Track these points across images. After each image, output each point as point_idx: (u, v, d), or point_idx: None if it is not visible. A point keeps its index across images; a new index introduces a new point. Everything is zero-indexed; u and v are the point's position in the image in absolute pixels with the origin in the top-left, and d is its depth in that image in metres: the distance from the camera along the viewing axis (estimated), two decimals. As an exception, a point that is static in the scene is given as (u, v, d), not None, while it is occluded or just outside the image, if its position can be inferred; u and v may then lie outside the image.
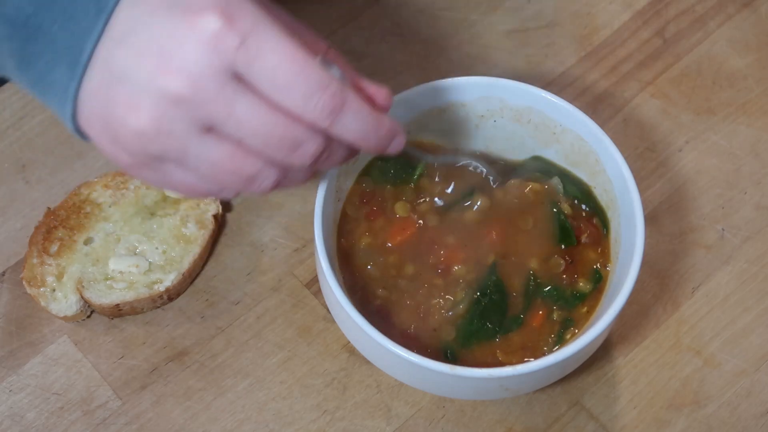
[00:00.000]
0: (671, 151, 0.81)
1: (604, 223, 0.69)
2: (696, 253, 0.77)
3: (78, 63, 0.53)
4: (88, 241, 0.74)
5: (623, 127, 0.82)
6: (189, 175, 0.56)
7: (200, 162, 0.54)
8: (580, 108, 0.69)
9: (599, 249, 0.69)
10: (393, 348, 0.61)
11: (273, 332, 0.73)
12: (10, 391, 0.71)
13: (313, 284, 0.75)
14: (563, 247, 0.68)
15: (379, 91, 0.59)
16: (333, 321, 0.70)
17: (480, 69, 0.84)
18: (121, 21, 0.52)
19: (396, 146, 0.59)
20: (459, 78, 0.70)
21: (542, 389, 0.71)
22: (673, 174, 0.80)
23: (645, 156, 0.80)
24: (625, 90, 0.83)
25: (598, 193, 0.70)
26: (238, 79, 0.52)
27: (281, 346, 0.73)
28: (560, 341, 0.66)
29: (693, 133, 0.82)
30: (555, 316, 0.67)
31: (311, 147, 0.54)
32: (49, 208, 0.75)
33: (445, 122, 0.73)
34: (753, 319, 0.74)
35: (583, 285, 0.68)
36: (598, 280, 0.68)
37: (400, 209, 0.69)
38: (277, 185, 0.57)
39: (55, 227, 0.74)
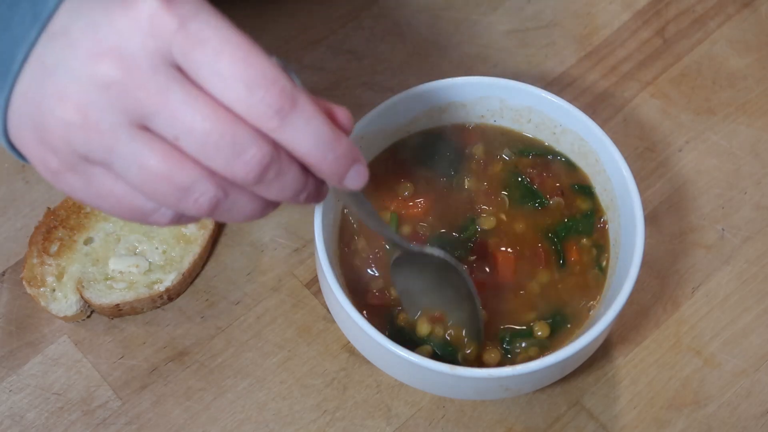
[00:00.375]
0: (671, 151, 0.81)
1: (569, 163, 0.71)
2: (696, 253, 0.77)
3: (8, 73, 0.50)
4: (88, 241, 0.74)
5: (623, 127, 0.82)
6: (118, 184, 0.50)
7: (129, 164, 0.48)
8: (580, 108, 0.69)
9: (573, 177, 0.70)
10: (393, 348, 0.61)
11: (273, 332, 0.73)
12: (10, 391, 0.71)
13: (313, 284, 0.75)
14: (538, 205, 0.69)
15: (339, 110, 0.52)
16: (333, 321, 0.70)
17: (480, 69, 0.84)
18: (59, 17, 0.49)
19: (356, 178, 0.51)
20: (459, 78, 0.71)
21: (542, 389, 0.71)
22: (673, 174, 0.80)
23: (645, 156, 0.80)
24: (625, 90, 0.83)
25: (599, 193, 0.70)
26: (177, 68, 0.47)
27: (281, 346, 0.73)
28: (600, 268, 0.68)
29: (693, 133, 0.82)
30: (584, 242, 0.69)
31: (256, 154, 0.47)
32: (49, 208, 0.75)
33: (445, 122, 0.73)
34: (753, 319, 0.74)
35: (582, 204, 0.69)
36: (590, 195, 0.70)
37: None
38: (216, 206, 0.49)
39: (55, 227, 0.74)
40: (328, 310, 0.70)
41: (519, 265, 0.68)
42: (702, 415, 0.71)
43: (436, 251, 0.63)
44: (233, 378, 0.72)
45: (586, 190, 0.70)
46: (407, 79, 0.83)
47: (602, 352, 0.72)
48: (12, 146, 0.53)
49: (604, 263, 0.68)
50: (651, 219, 0.77)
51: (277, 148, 0.48)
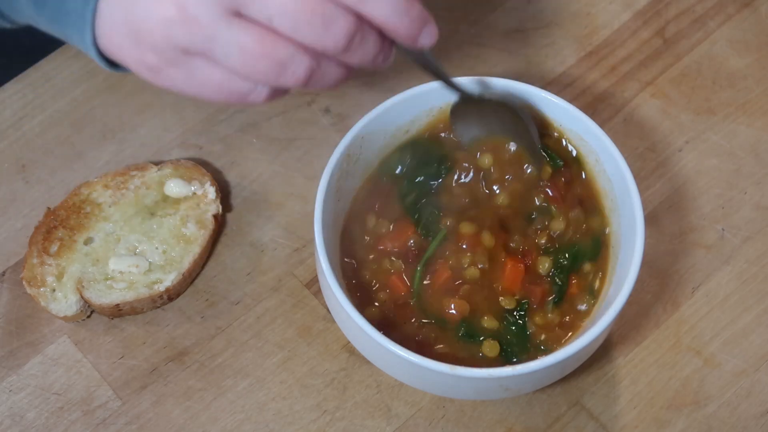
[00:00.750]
0: (671, 151, 0.81)
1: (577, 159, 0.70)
2: (696, 253, 0.77)
3: None
4: (88, 241, 0.74)
5: (623, 127, 0.82)
6: (217, 71, 0.55)
7: (229, 49, 0.53)
8: (580, 108, 0.69)
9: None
10: (393, 348, 0.61)
11: (273, 332, 0.73)
12: (10, 391, 0.71)
13: (313, 284, 0.75)
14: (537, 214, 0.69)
15: None
16: (333, 321, 0.70)
17: (480, 69, 0.84)
18: None
19: (428, 36, 0.57)
20: (459, 78, 0.70)
21: (542, 389, 0.71)
22: (673, 174, 0.80)
23: (645, 156, 0.80)
24: (625, 90, 0.83)
25: (599, 193, 0.70)
26: None
27: (281, 346, 0.73)
28: (592, 292, 0.67)
29: (693, 133, 0.82)
30: (587, 269, 0.68)
31: (343, 26, 0.53)
32: (49, 208, 0.75)
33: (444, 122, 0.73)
34: (753, 319, 0.74)
35: (593, 222, 0.69)
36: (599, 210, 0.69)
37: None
38: (311, 75, 0.55)
39: (55, 227, 0.74)
40: (328, 310, 0.70)
41: (523, 281, 0.68)
42: (702, 415, 0.71)
43: (494, 95, 0.67)
44: (233, 378, 0.72)
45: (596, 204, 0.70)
46: (407, 79, 0.83)
47: (602, 352, 0.72)
48: (101, 56, 0.57)
49: (596, 285, 0.68)
50: (651, 219, 0.77)
51: (359, 19, 0.53)
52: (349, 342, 0.69)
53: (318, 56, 0.55)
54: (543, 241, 0.68)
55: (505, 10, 0.87)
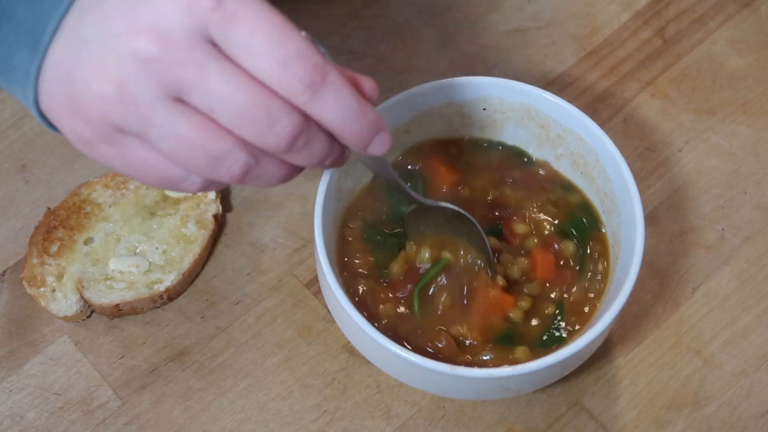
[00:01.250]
0: (671, 151, 0.81)
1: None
2: (696, 253, 0.77)
3: (40, 43, 0.51)
4: (88, 241, 0.74)
5: (623, 127, 0.82)
6: (151, 154, 0.52)
7: (165, 135, 0.50)
8: (580, 108, 0.69)
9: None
10: (393, 348, 0.61)
11: (273, 332, 0.73)
12: (10, 391, 0.71)
13: (313, 284, 0.75)
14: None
15: (365, 81, 0.54)
16: (333, 321, 0.70)
17: (480, 69, 0.84)
18: None
19: (380, 145, 0.55)
20: (459, 78, 0.71)
21: (542, 389, 0.71)
22: (673, 174, 0.80)
23: (645, 156, 0.80)
24: (625, 90, 0.83)
25: (599, 193, 0.70)
26: (212, 44, 0.49)
27: (281, 346, 0.73)
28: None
29: (693, 133, 0.82)
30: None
31: (287, 125, 0.50)
32: (49, 208, 0.75)
33: (445, 122, 0.73)
34: (753, 319, 0.74)
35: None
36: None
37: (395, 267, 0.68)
38: (247, 173, 0.52)
39: (55, 227, 0.74)
40: (328, 310, 0.70)
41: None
42: (702, 415, 0.71)
43: (450, 205, 0.66)
44: (233, 378, 0.72)
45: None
46: (407, 79, 0.83)
47: (602, 352, 0.72)
48: (43, 116, 0.55)
49: (597, 286, 0.69)
50: (651, 219, 0.77)
51: (306, 119, 0.51)
52: (349, 342, 0.69)
53: (258, 153, 0.52)
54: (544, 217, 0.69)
55: (505, 10, 0.87)
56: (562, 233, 0.70)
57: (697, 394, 0.71)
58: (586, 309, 0.67)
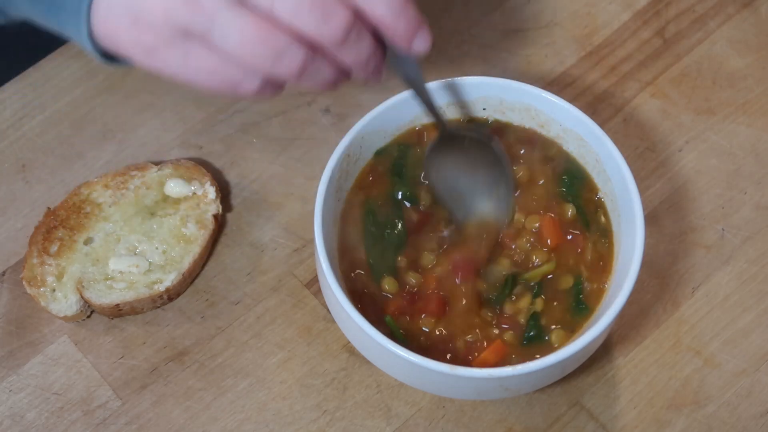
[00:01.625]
0: (671, 151, 0.81)
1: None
2: (696, 253, 0.77)
3: None
4: (88, 241, 0.74)
5: (623, 127, 0.82)
6: (212, 56, 0.55)
7: (228, 32, 0.54)
8: (580, 108, 0.69)
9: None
10: (393, 348, 0.61)
11: (273, 332, 0.73)
12: (10, 391, 0.71)
13: (313, 284, 0.75)
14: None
15: None
16: (333, 321, 0.70)
17: (480, 69, 0.84)
18: None
19: (422, 41, 0.58)
20: (459, 78, 0.71)
21: (542, 389, 0.71)
22: (673, 174, 0.80)
23: (645, 156, 0.80)
24: (625, 90, 0.83)
25: (599, 193, 0.70)
26: None
27: (281, 346, 0.73)
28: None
29: (693, 133, 0.82)
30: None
31: (342, 18, 0.54)
32: (49, 208, 0.75)
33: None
34: (753, 319, 0.74)
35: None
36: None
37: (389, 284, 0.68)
38: (305, 68, 0.56)
39: (55, 227, 0.74)
40: (328, 310, 0.70)
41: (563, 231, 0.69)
42: (702, 415, 0.71)
43: (475, 132, 0.67)
44: (233, 378, 0.72)
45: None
46: (407, 79, 0.83)
47: (602, 352, 0.72)
48: (97, 50, 0.58)
49: (596, 285, 0.68)
50: (651, 219, 0.77)
51: (356, 15, 0.55)
52: (349, 342, 0.69)
53: (314, 51, 0.56)
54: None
55: (505, 10, 0.87)
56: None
57: (697, 394, 0.71)
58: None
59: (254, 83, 0.57)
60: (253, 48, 0.54)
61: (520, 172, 0.70)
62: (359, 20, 0.56)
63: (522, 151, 0.71)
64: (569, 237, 0.68)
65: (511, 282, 0.67)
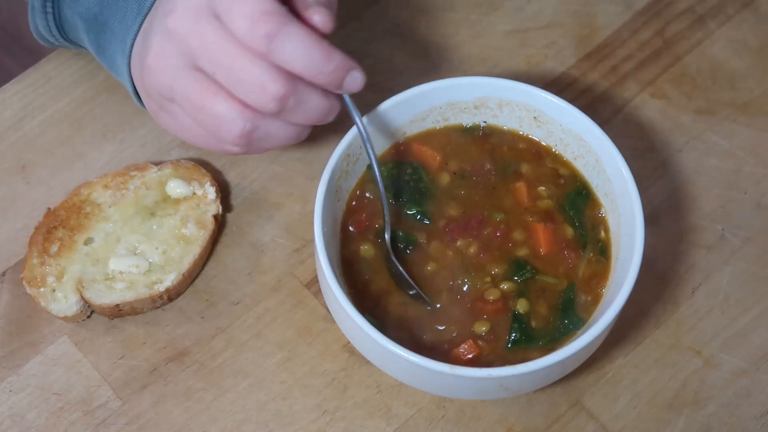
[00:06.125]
0: (671, 151, 0.81)
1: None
2: (696, 253, 0.77)
3: (126, 47, 0.65)
4: (88, 242, 0.74)
5: (623, 127, 0.82)
6: (185, 117, 0.60)
7: (183, 98, 0.58)
8: (580, 108, 0.70)
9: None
10: (393, 348, 0.61)
11: (273, 332, 0.73)
12: (10, 391, 0.71)
13: (313, 284, 0.75)
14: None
15: (315, 13, 0.58)
16: (333, 321, 0.70)
17: (480, 69, 0.84)
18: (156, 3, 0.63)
19: (353, 83, 0.59)
20: (459, 78, 0.71)
21: (542, 389, 0.71)
22: (673, 174, 0.80)
23: (645, 156, 0.80)
24: (625, 90, 0.83)
25: (599, 193, 0.70)
26: (215, 16, 0.56)
27: (281, 347, 0.73)
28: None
29: (693, 133, 0.82)
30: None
31: (272, 87, 0.56)
32: (49, 209, 0.75)
33: (444, 122, 0.73)
34: (753, 319, 0.74)
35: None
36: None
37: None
38: (248, 136, 0.58)
39: (55, 227, 0.74)
40: (328, 310, 0.70)
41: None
42: (702, 415, 0.71)
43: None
44: (233, 378, 0.72)
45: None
46: (407, 79, 0.83)
47: (602, 352, 0.72)
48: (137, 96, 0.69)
49: (596, 286, 0.69)
50: (651, 219, 0.77)
51: (293, 79, 0.56)
52: (349, 342, 0.69)
53: (258, 116, 0.57)
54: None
55: (505, 10, 0.87)
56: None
57: (697, 394, 0.71)
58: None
59: (223, 145, 0.60)
60: (198, 113, 0.58)
61: (521, 189, 0.70)
62: (298, 82, 0.57)
63: (522, 169, 0.71)
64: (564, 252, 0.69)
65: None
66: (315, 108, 0.59)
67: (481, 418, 0.71)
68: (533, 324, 0.66)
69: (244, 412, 0.71)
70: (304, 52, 0.56)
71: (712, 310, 0.75)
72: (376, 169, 0.66)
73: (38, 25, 0.74)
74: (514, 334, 0.65)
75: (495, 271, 0.67)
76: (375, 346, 0.62)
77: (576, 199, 0.70)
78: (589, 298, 0.67)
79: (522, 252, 0.68)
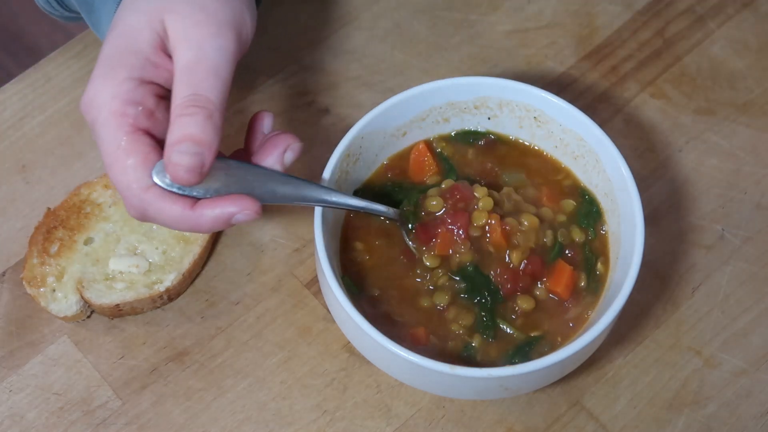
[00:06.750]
0: (671, 151, 0.81)
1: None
2: (696, 253, 0.77)
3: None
4: (88, 241, 0.74)
5: (623, 127, 0.82)
6: None
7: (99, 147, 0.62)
8: (580, 108, 0.69)
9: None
10: (393, 348, 0.61)
11: (273, 332, 0.73)
12: (10, 391, 0.71)
13: (313, 284, 0.75)
14: None
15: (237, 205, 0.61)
16: (333, 321, 0.70)
17: (480, 69, 0.84)
18: None
19: (245, 217, 0.60)
20: (459, 78, 0.71)
21: (542, 389, 0.71)
22: (673, 174, 0.80)
23: (645, 156, 0.80)
24: (625, 90, 0.83)
25: (599, 193, 0.70)
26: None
27: (281, 346, 0.73)
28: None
29: (693, 133, 0.82)
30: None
31: (131, 210, 0.61)
32: (49, 208, 0.75)
33: (444, 122, 0.73)
34: (753, 319, 0.74)
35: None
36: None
37: None
38: (140, 216, 0.61)
39: (55, 227, 0.74)
40: (328, 310, 0.70)
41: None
42: (702, 415, 0.71)
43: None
44: (233, 378, 0.72)
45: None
46: (407, 79, 0.83)
47: (602, 352, 0.72)
48: None
49: (596, 286, 0.68)
50: (651, 219, 0.77)
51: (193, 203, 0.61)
52: (349, 342, 0.69)
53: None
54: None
55: (505, 10, 0.87)
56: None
57: (697, 394, 0.71)
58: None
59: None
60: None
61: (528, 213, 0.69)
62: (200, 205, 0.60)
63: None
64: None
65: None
66: (209, 227, 0.61)
67: (481, 418, 0.71)
68: (479, 359, 0.66)
69: (244, 412, 0.71)
70: (173, 223, 0.60)
71: (712, 310, 0.75)
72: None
73: (39, 1, 0.74)
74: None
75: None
76: (375, 346, 0.62)
77: (585, 216, 0.70)
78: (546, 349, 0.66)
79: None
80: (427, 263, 0.67)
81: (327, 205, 0.64)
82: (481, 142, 0.73)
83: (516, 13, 0.87)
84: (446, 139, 0.73)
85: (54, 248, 0.73)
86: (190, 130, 0.57)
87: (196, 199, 0.60)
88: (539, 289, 0.67)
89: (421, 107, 0.71)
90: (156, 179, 0.59)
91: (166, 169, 0.58)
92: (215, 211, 0.59)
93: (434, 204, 0.67)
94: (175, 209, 0.59)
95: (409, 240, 0.68)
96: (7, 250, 0.76)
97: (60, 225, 0.74)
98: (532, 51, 0.85)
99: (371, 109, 0.69)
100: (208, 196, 0.60)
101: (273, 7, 0.86)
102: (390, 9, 0.87)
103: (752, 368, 0.72)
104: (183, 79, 0.58)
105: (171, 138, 0.58)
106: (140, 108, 0.59)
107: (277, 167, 0.63)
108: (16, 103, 0.81)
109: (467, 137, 0.73)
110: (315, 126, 0.81)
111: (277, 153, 0.63)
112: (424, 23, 0.86)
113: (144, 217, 0.60)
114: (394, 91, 0.70)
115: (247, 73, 0.82)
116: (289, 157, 0.63)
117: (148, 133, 0.60)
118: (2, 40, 1.63)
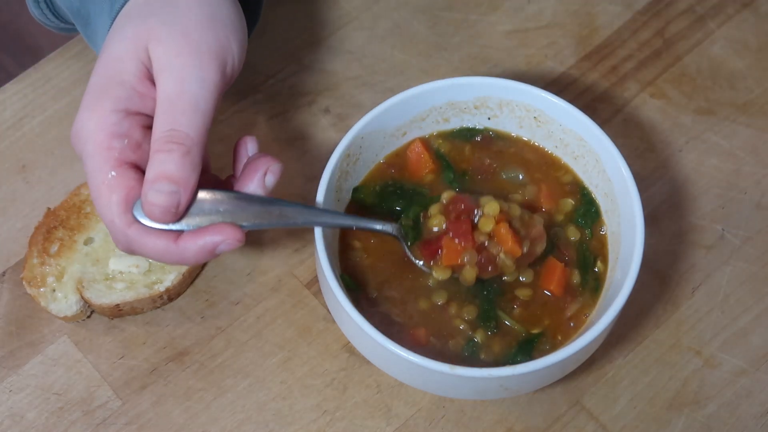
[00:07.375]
0: (671, 151, 0.81)
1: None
2: (696, 253, 0.77)
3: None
4: (88, 241, 0.74)
5: (623, 127, 0.82)
6: None
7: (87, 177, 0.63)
8: (580, 108, 0.69)
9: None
10: (393, 348, 0.61)
11: (273, 332, 0.73)
12: (10, 391, 0.71)
13: (313, 284, 0.75)
14: None
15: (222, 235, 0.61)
16: (333, 321, 0.70)
17: (480, 69, 0.84)
18: None
19: (228, 246, 0.60)
20: (459, 78, 0.71)
21: (542, 389, 0.71)
22: (673, 174, 0.80)
23: (645, 156, 0.80)
24: (625, 90, 0.83)
25: (598, 193, 0.70)
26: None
27: (281, 346, 0.73)
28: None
29: (693, 133, 0.82)
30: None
31: (119, 245, 0.61)
32: (49, 208, 0.75)
33: (444, 122, 0.73)
34: (753, 319, 0.74)
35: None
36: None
37: None
38: (126, 248, 0.62)
39: (55, 227, 0.74)
40: (328, 310, 0.70)
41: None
42: (702, 415, 0.71)
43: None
44: (233, 378, 0.72)
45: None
46: (407, 79, 0.83)
47: (602, 352, 0.72)
48: None
49: (596, 285, 0.68)
50: (651, 219, 0.77)
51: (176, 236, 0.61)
52: (349, 342, 0.69)
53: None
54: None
55: (505, 10, 0.87)
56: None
57: (697, 394, 0.71)
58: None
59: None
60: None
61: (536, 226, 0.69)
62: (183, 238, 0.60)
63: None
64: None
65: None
66: (194, 259, 0.61)
67: (481, 418, 0.71)
68: (482, 356, 0.66)
69: (244, 412, 0.71)
70: (157, 256, 0.60)
71: (712, 310, 0.75)
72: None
73: (34, 12, 0.75)
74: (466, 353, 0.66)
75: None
76: (375, 346, 0.62)
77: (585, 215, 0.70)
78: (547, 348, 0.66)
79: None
80: (438, 277, 0.66)
81: (318, 225, 0.64)
82: (478, 138, 0.73)
83: (516, 13, 0.87)
84: (443, 135, 0.73)
85: (54, 248, 0.73)
86: (167, 168, 0.57)
87: (180, 232, 0.60)
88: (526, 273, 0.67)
89: (421, 107, 0.71)
90: (138, 216, 0.59)
91: (142, 207, 0.58)
92: (198, 243, 0.60)
93: (436, 222, 0.67)
94: (159, 244, 0.60)
95: (412, 255, 0.67)
96: (7, 250, 0.76)
97: (60, 225, 0.74)
98: (532, 51, 0.85)
99: (371, 109, 0.69)
100: (191, 228, 0.60)
101: (273, 7, 0.86)
102: (390, 9, 0.87)
103: (752, 368, 0.72)
104: (163, 111, 0.59)
105: (148, 175, 0.58)
106: (126, 141, 0.59)
107: (260, 192, 0.62)
108: (16, 103, 0.81)
109: (464, 133, 0.73)
110: (315, 126, 0.81)
111: (257, 177, 0.62)
112: (424, 23, 0.86)
113: (130, 251, 0.61)
114: (394, 91, 0.70)
115: (247, 73, 0.82)
116: (270, 180, 0.62)
117: (135, 166, 0.60)
118: (2, 40, 1.63)
